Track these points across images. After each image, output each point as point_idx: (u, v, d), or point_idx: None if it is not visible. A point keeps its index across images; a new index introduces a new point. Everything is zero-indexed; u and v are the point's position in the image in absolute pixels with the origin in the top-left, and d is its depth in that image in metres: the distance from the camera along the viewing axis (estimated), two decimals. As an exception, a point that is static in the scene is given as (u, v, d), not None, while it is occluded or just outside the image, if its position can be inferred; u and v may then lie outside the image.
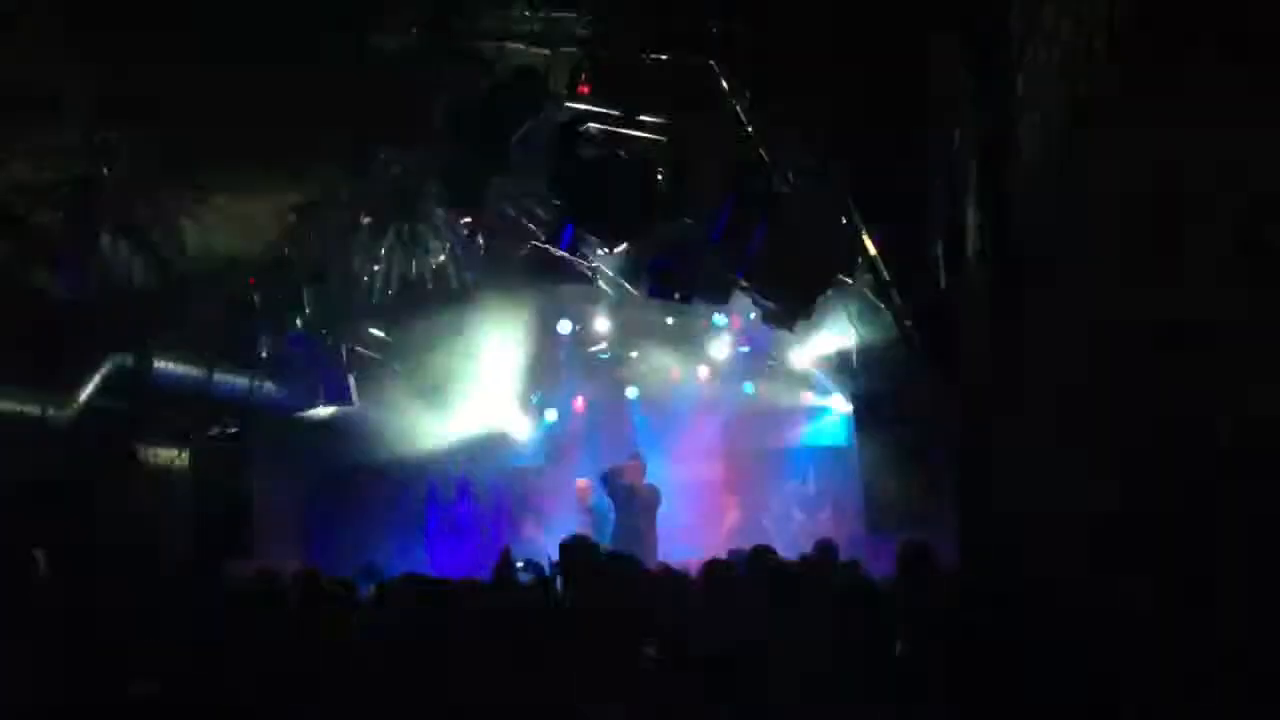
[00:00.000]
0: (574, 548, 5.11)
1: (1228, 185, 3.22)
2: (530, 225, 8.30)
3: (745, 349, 11.37)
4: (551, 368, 11.47)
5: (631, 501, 9.83)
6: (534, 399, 11.98)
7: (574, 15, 6.04)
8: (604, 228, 6.91)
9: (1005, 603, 4.20)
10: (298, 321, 8.88)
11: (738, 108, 6.05)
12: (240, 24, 5.39)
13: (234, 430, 9.28)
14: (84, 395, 7.66)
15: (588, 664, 3.91)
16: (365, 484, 10.75)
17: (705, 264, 7.00)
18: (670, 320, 10.72)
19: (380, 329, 9.85)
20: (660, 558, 9.54)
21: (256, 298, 8.50)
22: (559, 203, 7.11)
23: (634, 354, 11.75)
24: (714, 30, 5.85)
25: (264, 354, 8.88)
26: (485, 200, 7.37)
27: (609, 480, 10.03)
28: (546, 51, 6.17)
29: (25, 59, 5.54)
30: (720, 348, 11.34)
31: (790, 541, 9.61)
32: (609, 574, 4.90)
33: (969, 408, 5.10)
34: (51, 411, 7.46)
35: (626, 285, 8.77)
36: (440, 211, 8.23)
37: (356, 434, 10.16)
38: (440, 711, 3.82)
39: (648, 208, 6.56)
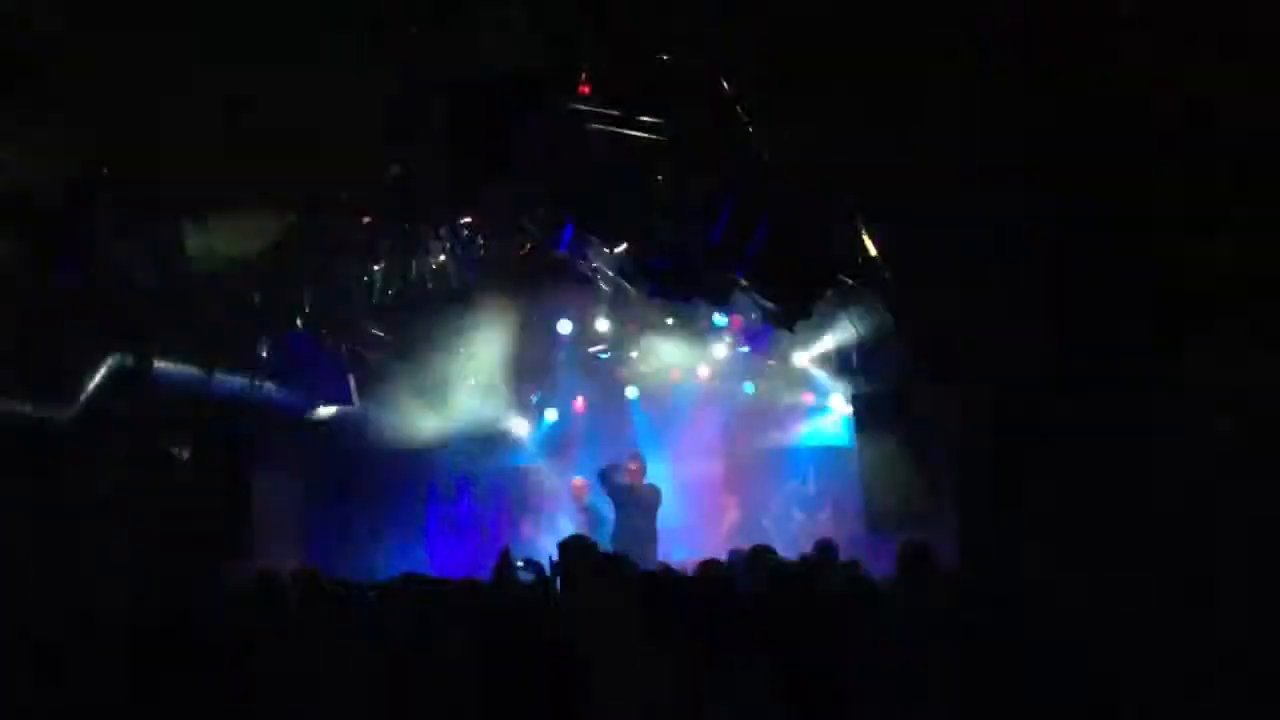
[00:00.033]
0: (573, 548, 5.11)
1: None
2: (530, 225, 8.30)
3: (745, 349, 11.36)
4: (551, 368, 11.46)
5: (632, 501, 9.82)
6: (534, 399, 11.98)
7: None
8: (604, 228, 6.91)
9: (1005, 603, 4.20)
10: (298, 321, 8.88)
11: (738, 108, 6.05)
12: (241, 22, 5.39)
13: (234, 430, 9.27)
14: (84, 395, 7.66)
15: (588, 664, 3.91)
16: (365, 484, 10.74)
17: (705, 264, 7.00)
18: (670, 320, 10.71)
19: (380, 329, 9.84)
20: (660, 557, 9.54)
21: (256, 298, 8.49)
22: (559, 203, 7.11)
23: (634, 354, 11.74)
24: (714, 30, 5.84)
25: (264, 354, 8.87)
26: (485, 200, 7.37)
27: (606, 478, 10.02)
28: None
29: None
30: (720, 348, 11.34)
31: (790, 541, 9.61)
32: (608, 574, 4.90)
33: (969, 408, 5.11)
34: (51, 411, 7.46)
35: (626, 285, 8.77)
36: (440, 211, 8.23)
37: (356, 434, 10.16)
38: (440, 711, 3.82)
39: (648, 208, 6.56)
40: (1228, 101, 4.30)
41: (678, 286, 7.47)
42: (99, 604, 4.94)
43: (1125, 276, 4.79)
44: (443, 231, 8.62)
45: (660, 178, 6.51)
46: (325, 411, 9.84)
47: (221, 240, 7.50)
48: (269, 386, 9.24)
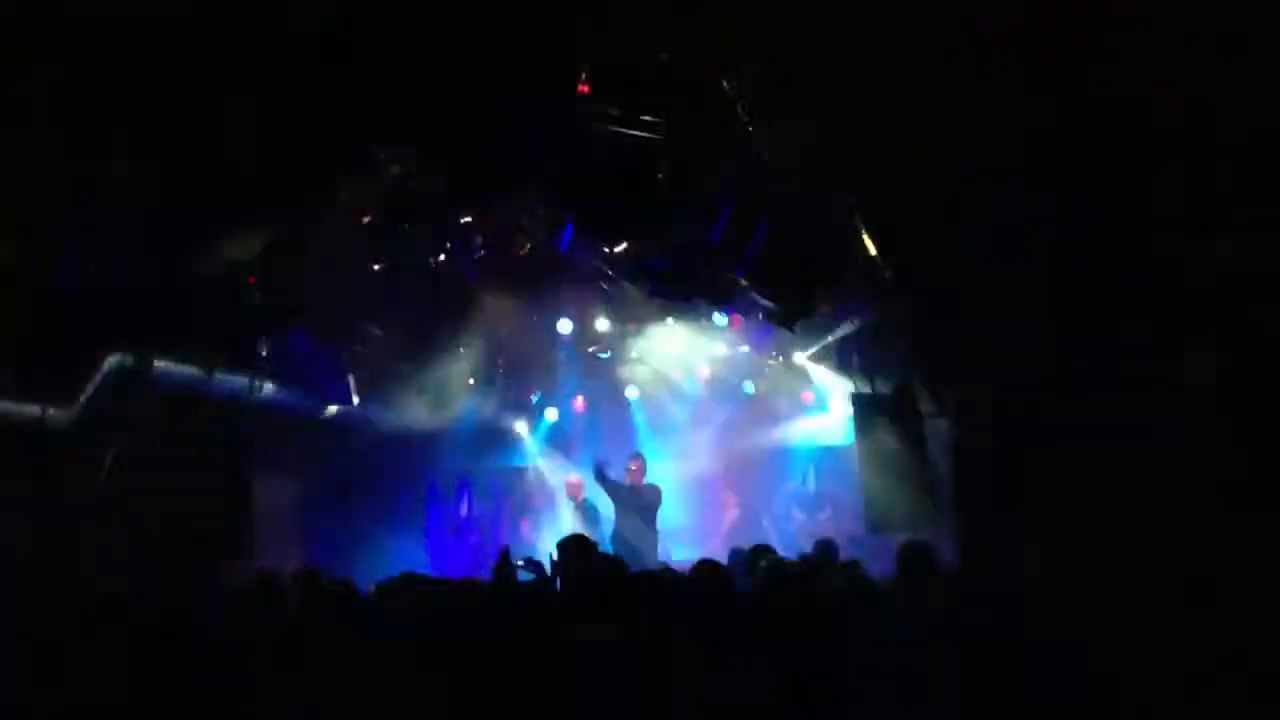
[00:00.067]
0: (572, 547, 5.11)
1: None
2: (530, 225, 8.30)
3: (745, 349, 11.37)
4: (551, 367, 11.47)
5: (632, 501, 9.83)
6: (534, 398, 11.99)
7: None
8: (604, 228, 6.91)
9: (1005, 603, 4.20)
10: (298, 321, 8.88)
11: (738, 108, 6.05)
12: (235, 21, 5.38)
13: (234, 430, 9.26)
14: (84, 395, 7.65)
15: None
16: (365, 484, 10.75)
17: (705, 264, 7.00)
18: (670, 320, 10.73)
19: (380, 329, 9.84)
20: (660, 557, 9.56)
21: (256, 298, 8.49)
22: (559, 203, 7.10)
23: (634, 354, 11.75)
24: (714, 30, 5.84)
25: (264, 354, 8.87)
26: (485, 200, 7.37)
27: (601, 474, 10.02)
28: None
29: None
30: (720, 348, 11.34)
31: (790, 541, 9.63)
32: (606, 574, 4.89)
33: (969, 408, 5.11)
34: (51, 411, 7.45)
35: (627, 285, 8.77)
36: (440, 211, 8.22)
37: (356, 434, 10.16)
38: (440, 711, 3.82)
39: (648, 208, 6.56)
40: (1228, 101, 4.31)
41: (678, 286, 7.48)
42: (99, 604, 4.93)
43: (1125, 276, 4.79)
44: (443, 231, 8.62)
45: (660, 178, 6.50)
46: (325, 411, 9.84)
47: (221, 240, 7.49)
48: (269, 386, 9.23)
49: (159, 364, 8.08)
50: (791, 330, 7.74)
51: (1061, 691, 3.72)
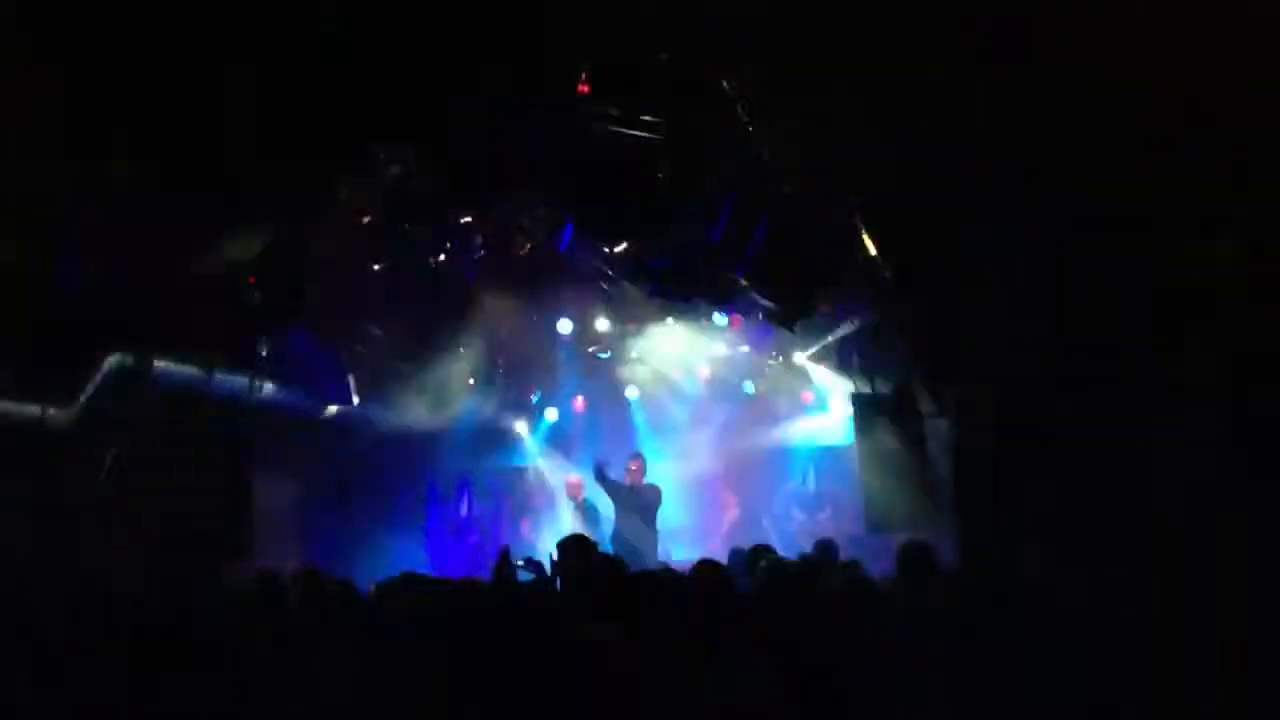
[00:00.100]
0: (572, 547, 5.11)
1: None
2: (530, 225, 8.29)
3: (745, 349, 11.37)
4: (551, 367, 11.47)
5: (632, 501, 9.83)
6: (534, 398, 11.99)
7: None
8: (604, 228, 6.90)
9: (1005, 603, 4.21)
10: (298, 321, 8.87)
11: (738, 108, 6.05)
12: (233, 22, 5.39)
13: (234, 430, 9.26)
14: (84, 395, 7.65)
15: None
16: (365, 484, 10.75)
17: (705, 264, 7.00)
18: (670, 320, 10.73)
19: (380, 329, 9.84)
20: (660, 557, 9.56)
21: (256, 298, 8.48)
22: (559, 203, 7.10)
23: (634, 354, 11.75)
24: (714, 30, 5.84)
25: (264, 354, 8.87)
26: (485, 200, 7.37)
27: (601, 473, 10.02)
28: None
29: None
30: (720, 348, 11.34)
31: (790, 541, 9.64)
32: (606, 574, 4.89)
33: (969, 408, 5.12)
34: (51, 411, 7.45)
35: (627, 285, 8.77)
36: (440, 211, 8.22)
37: (356, 434, 10.16)
38: (441, 712, 3.82)
39: (648, 208, 6.56)
40: (1228, 101, 4.31)
41: (678, 286, 7.48)
42: (99, 604, 4.93)
43: (1125, 276, 4.79)
44: (442, 231, 8.62)
45: (660, 178, 6.51)
46: (325, 411, 9.84)
47: (221, 240, 7.49)
48: (269, 386, 9.23)
49: (159, 364, 8.08)
50: (791, 330, 7.74)
51: (1061, 691, 3.72)
